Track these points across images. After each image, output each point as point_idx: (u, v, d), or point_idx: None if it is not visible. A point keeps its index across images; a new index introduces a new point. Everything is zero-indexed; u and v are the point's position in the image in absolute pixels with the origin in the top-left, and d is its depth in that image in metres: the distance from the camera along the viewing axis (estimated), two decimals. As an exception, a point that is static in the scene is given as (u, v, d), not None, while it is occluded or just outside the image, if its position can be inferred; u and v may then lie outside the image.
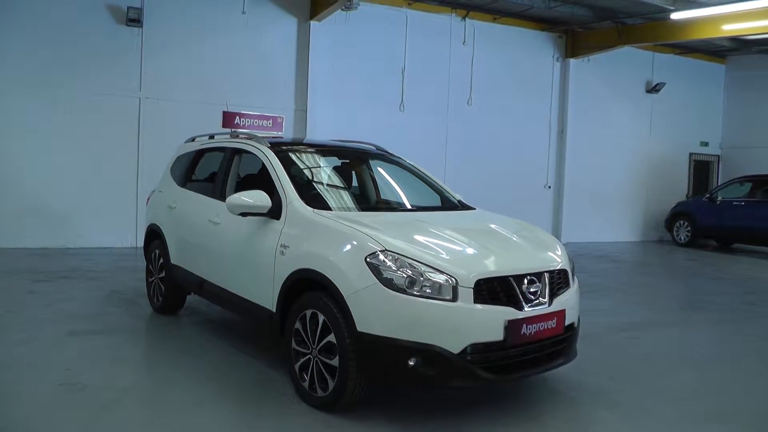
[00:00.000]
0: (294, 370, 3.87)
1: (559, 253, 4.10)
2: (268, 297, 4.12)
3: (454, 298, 3.37)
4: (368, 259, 3.46)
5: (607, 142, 13.93)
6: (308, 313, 3.74)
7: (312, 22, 11.28)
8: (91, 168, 9.66)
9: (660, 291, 8.43)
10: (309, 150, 5.18)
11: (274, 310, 4.05)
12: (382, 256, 3.45)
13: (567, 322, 3.83)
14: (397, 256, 3.45)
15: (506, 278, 3.53)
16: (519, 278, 3.58)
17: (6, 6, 9.11)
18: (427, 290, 3.38)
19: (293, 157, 4.79)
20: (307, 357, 3.76)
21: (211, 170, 5.44)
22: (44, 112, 9.38)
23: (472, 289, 3.39)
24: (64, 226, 9.44)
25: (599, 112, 13.82)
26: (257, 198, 4.19)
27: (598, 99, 13.78)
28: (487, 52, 12.57)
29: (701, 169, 15.69)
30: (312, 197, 4.32)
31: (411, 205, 5.00)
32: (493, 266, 3.57)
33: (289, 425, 3.55)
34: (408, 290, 3.37)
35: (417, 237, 3.81)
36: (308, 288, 3.81)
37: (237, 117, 6.12)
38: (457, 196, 5.26)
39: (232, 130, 5.81)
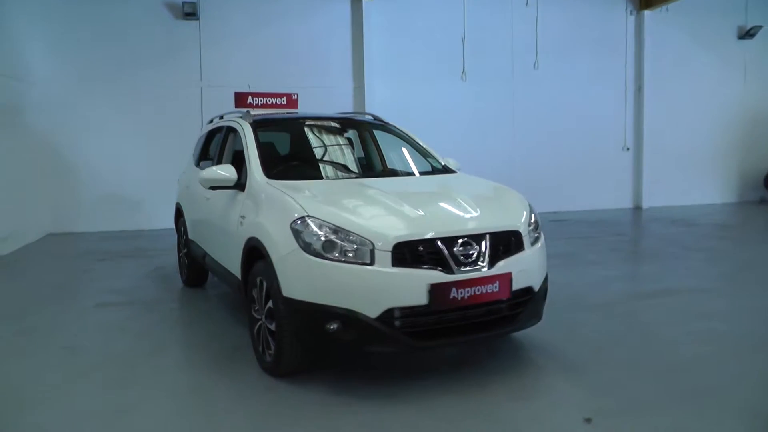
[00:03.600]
0: (252, 335, 4.02)
1: (515, 215, 3.88)
2: (236, 266, 4.28)
3: (372, 262, 3.32)
4: (292, 225, 3.50)
5: (691, 98, 12.73)
6: (258, 280, 3.86)
7: (364, 0, 11.31)
8: (161, 155, 10.36)
9: (722, 257, 7.54)
10: (292, 124, 5.27)
11: (240, 279, 4.22)
12: (304, 222, 3.48)
13: (518, 287, 3.63)
14: (319, 221, 3.45)
15: (433, 241, 3.42)
16: (450, 240, 3.45)
17: (73, 9, 9.98)
18: (349, 255, 3.36)
19: (270, 132, 4.90)
20: (260, 323, 3.89)
21: (216, 149, 5.70)
22: (112, 106, 10.20)
23: (390, 253, 3.31)
24: (137, 210, 10.29)
25: (681, 66, 12.65)
26: (223, 171, 4.36)
27: (680, 52, 12.62)
28: (553, 11, 11.88)
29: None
30: (275, 169, 4.41)
31: (377, 171, 4.98)
32: (417, 229, 3.45)
33: (238, 388, 3.65)
34: (326, 255, 3.36)
35: (350, 203, 3.77)
36: (260, 256, 3.93)
37: (249, 96, 6.33)
38: (448, 161, 5.13)
39: (247, 110, 5.97)
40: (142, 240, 9.32)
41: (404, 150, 5.25)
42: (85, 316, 5.29)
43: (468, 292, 3.41)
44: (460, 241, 3.47)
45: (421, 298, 3.32)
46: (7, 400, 3.57)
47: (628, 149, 12.60)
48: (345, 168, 4.88)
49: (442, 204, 3.91)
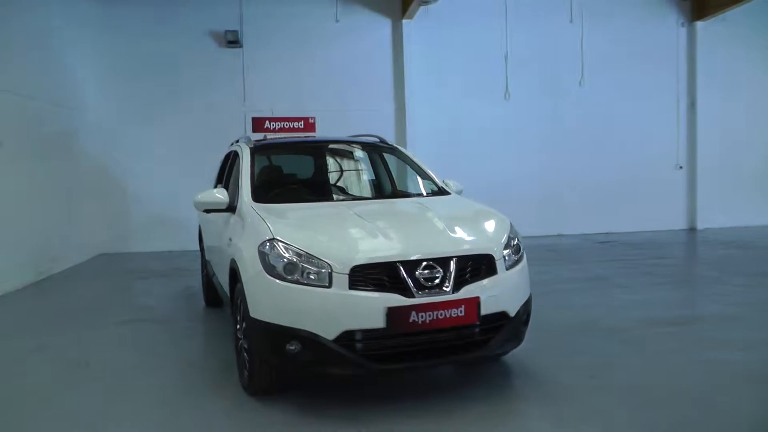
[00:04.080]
0: (236, 354, 4.11)
1: (489, 238, 3.79)
2: (227, 287, 4.41)
3: (330, 285, 3.34)
4: (259, 248, 3.57)
5: (748, 112, 12.02)
6: (238, 300, 3.95)
7: (404, 21, 11.44)
8: (205, 178, 10.75)
9: (764, 283, 7.04)
10: (292, 148, 5.39)
11: (230, 299, 4.34)
12: (269, 245, 3.55)
13: (489, 311, 3.54)
14: (284, 244, 3.51)
15: (393, 264, 3.40)
16: (413, 264, 3.42)
17: (123, 41, 10.64)
18: (311, 277, 3.40)
19: (268, 156, 5.04)
20: (240, 342, 3.97)
21: (225, 173, 5.90)
22: (160, 132, 10.75)
23: (347, 276, 3.33)
24: (183, 230, 10.65)
25: (738, 78, 12.00)
26: (214, 195, 4.52)
27: (737, 63, 11.97)
28: (598, 26, 11.62)
29: None
30: (266, 192, 4.53)
31: (366, 195, 5.02)
32: (377, 252, 3.44)
33: (211, 403, 3.75)
34: (287, 277, 3.40)
35: (322, 226, 3.83)
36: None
37: (267, 121, 6.53)
38: (448, 183, 5.08)
39: (265, 135, 6.18)
40: (183, 260, 9.70)
41: (403, 172, 5.25)
42: (103, 333, 5.55)
43: (430, 316, 3.36)
44: (423, 264, 3.43)
45: (378, 322, 3.30)
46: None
47: (681, 167, 12.01)
48: (335, 191, 4.94)
49: (414, 228, 3.90)
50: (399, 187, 5.35)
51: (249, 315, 3.57)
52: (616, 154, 11.77)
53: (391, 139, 11.39)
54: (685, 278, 7.27)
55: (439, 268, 3.45)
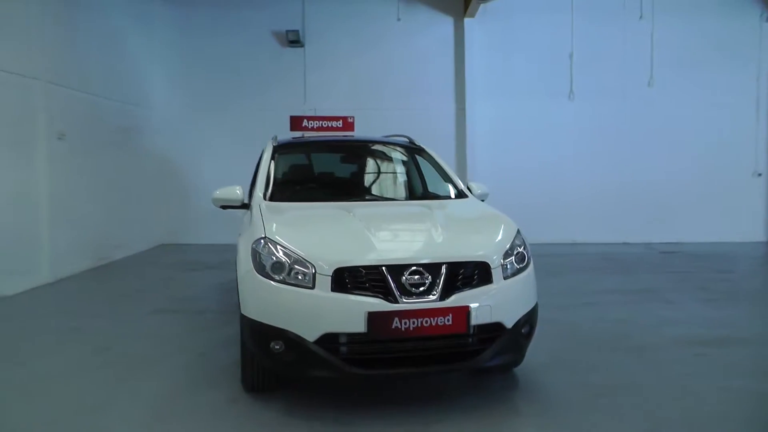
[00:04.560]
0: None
1: (486, 246, 3.63)
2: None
3: (313, 286, 3.32)
4: (252, 246, 3.61)
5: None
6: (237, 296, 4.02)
7: (466, 19, 11.27)
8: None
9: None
10: (314, 147, 5.41)
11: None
12: (262, 243, 3.57)
13: (481, 321, 3.40)
14: (275, 243, 3.52)
15: (377, 268, 3.33)
16: (399, 268, 3.34)
17: (189, 43, 11.08)
18: (297, 277, 3.39)
19: (289, 154, 5.08)
20: (241, 338, 4.03)
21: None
22: (222, 129, 11.12)
23: (329, 277, 3.29)
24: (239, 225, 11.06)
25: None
26: (230, 192, 4.62)
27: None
28: (670, 23, 10.93)
29: None
30: (281, 191, 4.57)
31: (376, 196, 4.97)
32: (362, 255, 3.38)
33: (205, 397, 3.82)
34: (274, 276, 3.41)
35: (317, 227, 3.82)
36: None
37: (305, 120, 6.56)
38: (471, 185, 4.94)
39: (302, 133, 6.27)
40: (234, 253, 9.95)
41: (424, 174, 5.15)
42: (135, 321, 5.80)
43: (414, 323, 3.27)
44: (411, 269, 3.35)
45: (358, 326, 3.25)
46: (13, 384, 4.05)
47: (760, 175, 11.11)
48: (351, 191, 4.91)
49: (409, 231, 3.81)
50: (430, 189, 5.24)
51: (240, 312, 3.62)
52: (687, 159, 11.07)
53: (451, 140, 11.51)
54: (742, 296, 6.71)
55: (428, 274, 3.35)
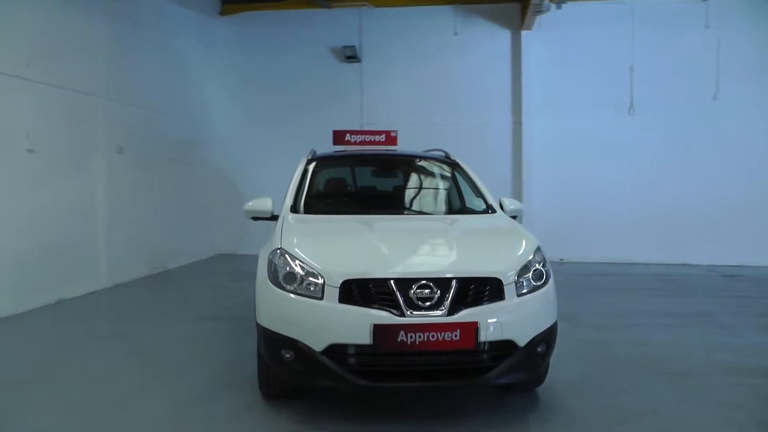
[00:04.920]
0: (261, 357, 4.27)
1: (501, 262, 3.56)
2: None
3: (322, 297, 3.36)
4: (269, 256, 3.70)
5: None
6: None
7: (523, 32, 11.15)
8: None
9: None
10: (347, 161, 5.49)
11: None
12: (278, 254, 3.65)
13: (491, 338, 3.34)
14: (289, 254, 3.60)
15: (386, 281, 3.33)
16: (407, 282, 3.33)
17: (249, 60, 11.51)
18: (310, 288, 3.44)
19: (321, 168, 5.17)
20: (260, 345, 4.12)
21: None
22: (280, 144, 11.35)
23: (338, 289, 3.32)
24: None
25: None
26: (260, 203, 4.74)
27: None
28: (738, 33, 10.44)
29: None
30: (305, 203, 4.66)
31: (400, 209, 5.02)
32: (371, 268, 3.39)
33: (225, 403, 3.93)
34: (286, 286, 3.48)
35: (333, 239, 3.88)
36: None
37: (347, 134, 6.64)
38: (503, 201, 4.85)
39: (344, 147, 6.40)
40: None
41: (454, 188, 5.12)
42: (177, 326, 6.03)
43: (420, 337, 3.26)
44: (419, 283, 3.33)
45: (364, 338, 3.26)
46: (52, 380, 4.29)
47: (835, 194, 10.35)
48: (381, 204, 4.96)
49: (423, 245, 3.80)
50: (467, 204, 5.19)
51: (256, 320, 3.70)
52: (753, 176, 10.43)
53: (507, 155, 11.34)
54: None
55: (437, 289, 3.33)
